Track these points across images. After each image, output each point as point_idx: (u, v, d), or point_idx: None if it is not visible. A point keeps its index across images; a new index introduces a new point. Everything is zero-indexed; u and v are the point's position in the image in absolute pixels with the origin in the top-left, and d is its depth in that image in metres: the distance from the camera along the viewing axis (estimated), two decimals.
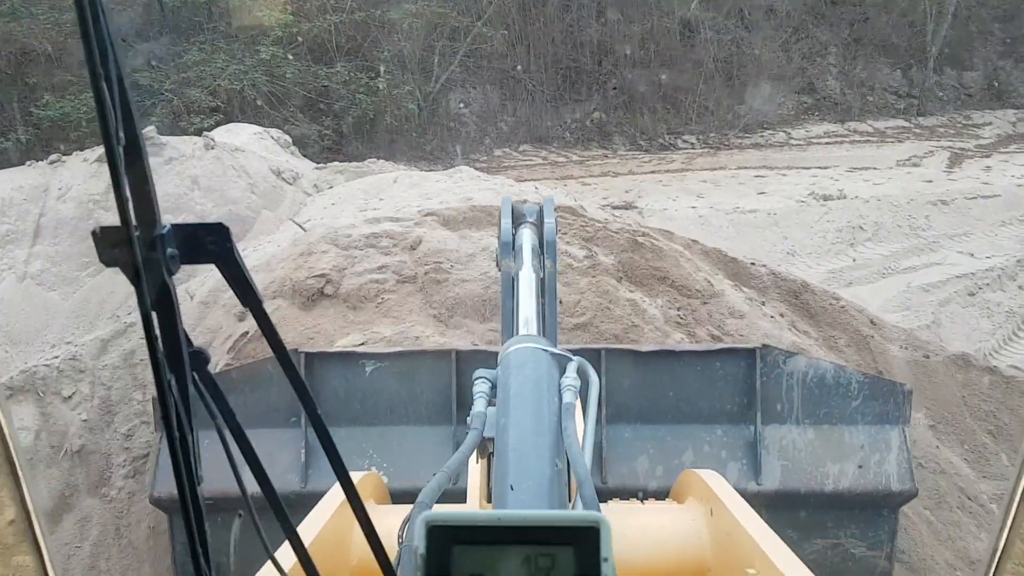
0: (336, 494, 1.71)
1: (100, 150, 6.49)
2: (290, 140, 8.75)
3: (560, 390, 1.39)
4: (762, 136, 15.05)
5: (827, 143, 14.83)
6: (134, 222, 0.63)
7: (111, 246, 0.64)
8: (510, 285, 2.10)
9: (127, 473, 3.90)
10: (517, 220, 2.29)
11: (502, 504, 1.21)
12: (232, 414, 0.84)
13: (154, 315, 0.68)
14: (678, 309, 4.62)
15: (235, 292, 0.77)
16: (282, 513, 0.86)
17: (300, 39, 14.55)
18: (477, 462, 1.65)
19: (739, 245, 9.16)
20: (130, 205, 0.63)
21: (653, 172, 13.40)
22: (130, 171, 0.63)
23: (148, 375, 4.21)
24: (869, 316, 5.20)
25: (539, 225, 2.26)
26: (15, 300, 5.33)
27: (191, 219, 5.58)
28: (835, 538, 3.15)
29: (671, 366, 3.18)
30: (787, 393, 3.19)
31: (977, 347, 7.41)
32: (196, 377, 0.78)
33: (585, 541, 0.68)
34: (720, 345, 3.38)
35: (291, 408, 3.03)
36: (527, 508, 1.14)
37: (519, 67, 15.87)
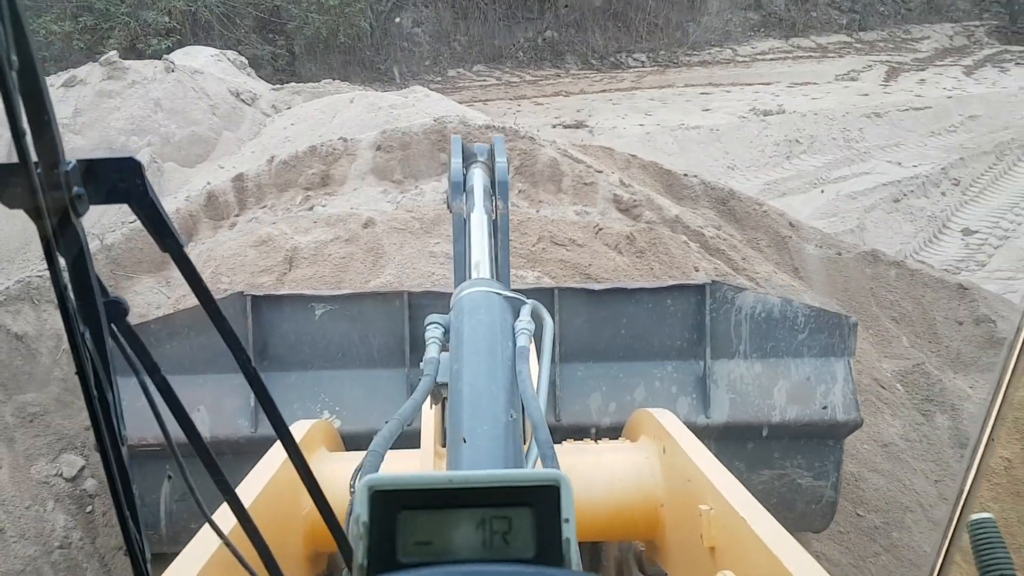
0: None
1: None
2: (246, 62, 8.84)
3: (514, 334, 1.37)
4: (709, 54, 15.27)
5: (771, 59, 15.13)
6: (34, 158, 0.56)
7: (9, 185, 0.56)
8: (461, 227, 2.02)
9: None
10: (468, 160, 2.24)
11: (455, 455, 1.18)
12: (156, 368, 0.79)
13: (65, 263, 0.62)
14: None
15: (152, 235, 0.71)
16: (216, 470, 0.81)
17: None
18: (431, 407, 1.65)
19: (683, 161, 9.54)
20: (28, 139, 0.55)
21: (604, 91, 13.62)
22: (27, 100, 0.55)
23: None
24: (789, 219, 5.66)
25: (490, 165, 2.21)
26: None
27: (156, 142, 5.77)
28: (782, 468, 3.17)
29: (623, 304, 3.16)
30: (736, 328, 3.19)
31: (898, 249, 7.98)
32: (115, 329, 0.72)
33: (544, 501, 0.64)
34: (671, 282, 3.30)
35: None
36: (481, 459, 1.11)
37: None
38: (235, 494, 0.86)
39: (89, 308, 0.66)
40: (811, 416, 3.14)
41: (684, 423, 1.84)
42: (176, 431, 0.82)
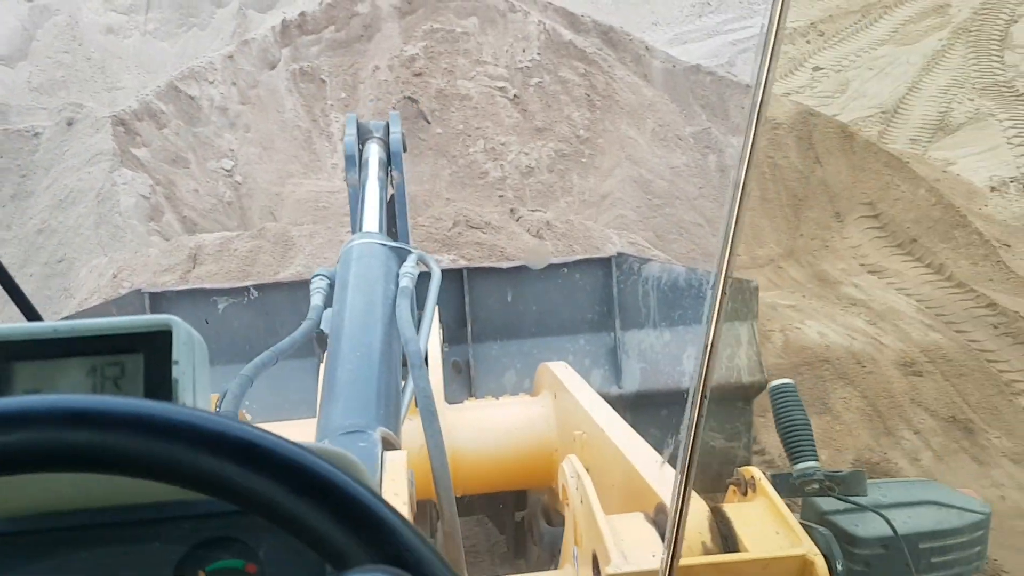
0: None
1: None
2: None
3: (397, 278, 1.36)
4: None
5: None
6: None
7: None
8: (356, 198, 2.03)
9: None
10: (363, 136, 2.23)
11: (329, 389, 1.16)
12: None
13: None
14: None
15: None
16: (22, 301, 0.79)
17: None
18: (324, 363, 1.49)
19: (615, 18, 12.26)
20: None
21: None
22: None
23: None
24: (647, 45, 8.56)
25: (386, 140, 2.21)
26: (142, 48, 8.59)
27: (231, 16, 9.02)
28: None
29: (532, 280, 3.15)
30: (643, 299, 3.18)
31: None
32: None
33: (156, 346, 0.64)
34: (577, 257, 3.32)
35: None
36: (356, 392, 1.08)
37: None
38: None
39: None
40: (718, 379, 3.13)
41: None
42: None
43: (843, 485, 1.25)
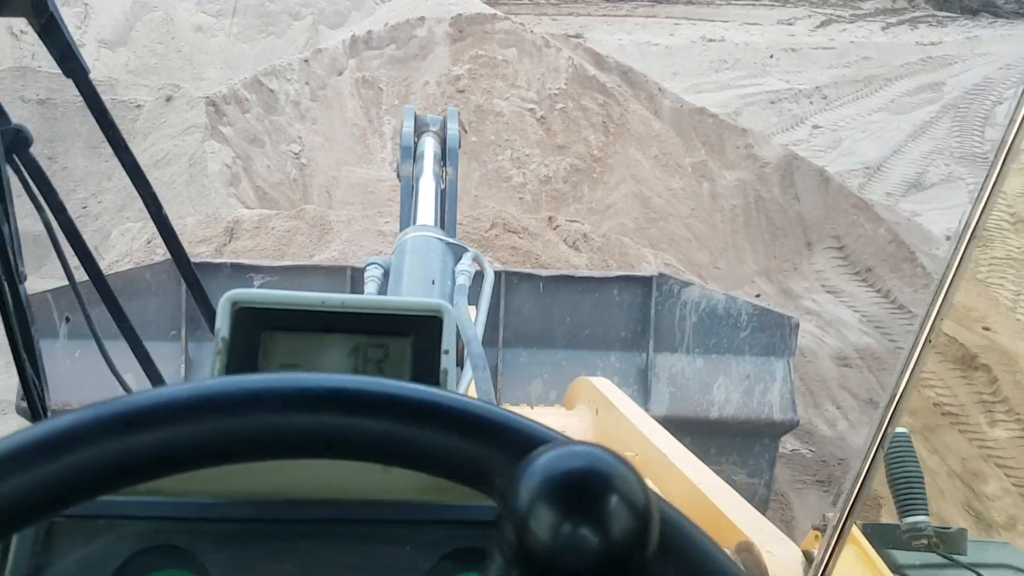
0: None
1: None
2: None
3: (454, 275, 1.33)
4: None
5: (741, 5, 18.80)
6: None
7: None
8: (409, 190, 1.99)
9: None
10: (420, 129, 2.19)
11: None
12: (63, 207, 0.74)
13: None
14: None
15: (55, 59, 0.63)
16: (114, 303, 0.78)
17: None
18: None
19: (640, 65, 13.55)
20: None
21: (604, 15, 17.49)
22: None
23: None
24: (659, 86, 9.78)
25: (442, 135, 2.17)
26: (226, 47, 9.91)
27: (316, 12, 10.64)
28: (717, 464, 3.05)
29: (570, 291, 3.09)
30: (680, 322, 3.12)
31: (759, 130, 12.04)
32: (17, 160, 0.64)
33: (426, 331, 0.59)
34: (618, 272, 3.29)
35: (172, 320, 2.84)
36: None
37: None
38: (134, 332, 0.85)
39: None
40: (748, 414, 3.07)
41: None
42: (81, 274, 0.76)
43: (947, 543, 1.21)
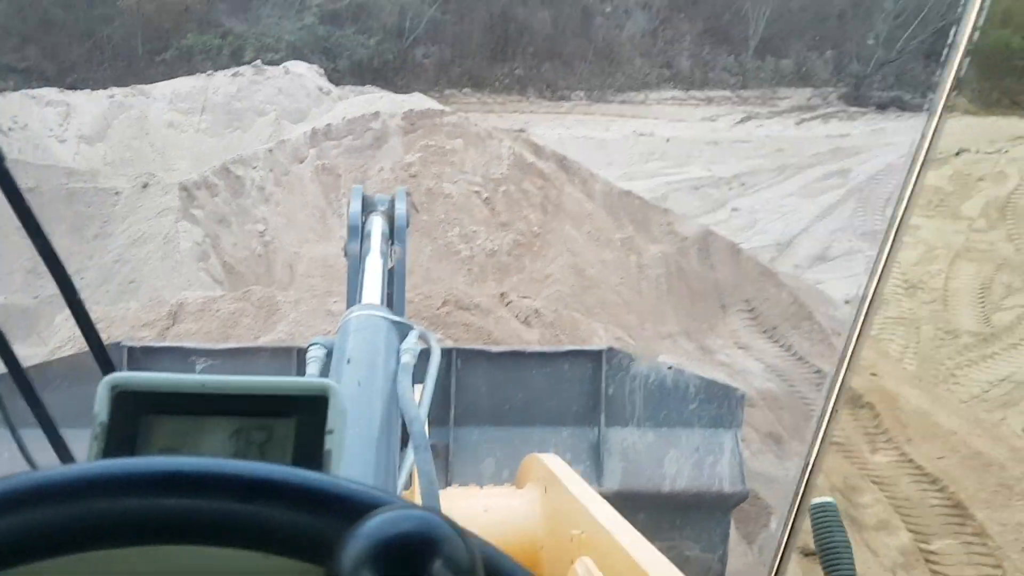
0: None
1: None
2: (323, 72, 14.15)
3: (399, 353, 1.29)
4: (627, 96, 20.68)
5: (670, 104, 20.54)
6: None
7: None
8: (356, 269, 1.96)
9: None
10: (368, 209, 2.18)
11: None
12: (31, 214, 0.74)
13: None
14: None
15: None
16: (27, 386, 0.77)
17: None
18: None
19: (578, 157, 14.83)
20: None
21: (547, 113, 18.97)
22: None
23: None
24: (591, 172, 10.91)
25: (391, 213, 2.16)
26: (196, 142, 10.83)
27: (279, 110, 11.76)
28: (671, 540, 3.05)
29: (521, 367, 3.07)
30: (630, 396, 3.12)
31: (682, 213, 13.25)
32: None
33: (311, 412, 0.57)
34: (568, 347, 3.28)
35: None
36: (353, 463, 1.00)
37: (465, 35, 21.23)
38: (47, 413, 0.83)
39: None
40: (699, 487, 3.08)
41: None
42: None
43: None
